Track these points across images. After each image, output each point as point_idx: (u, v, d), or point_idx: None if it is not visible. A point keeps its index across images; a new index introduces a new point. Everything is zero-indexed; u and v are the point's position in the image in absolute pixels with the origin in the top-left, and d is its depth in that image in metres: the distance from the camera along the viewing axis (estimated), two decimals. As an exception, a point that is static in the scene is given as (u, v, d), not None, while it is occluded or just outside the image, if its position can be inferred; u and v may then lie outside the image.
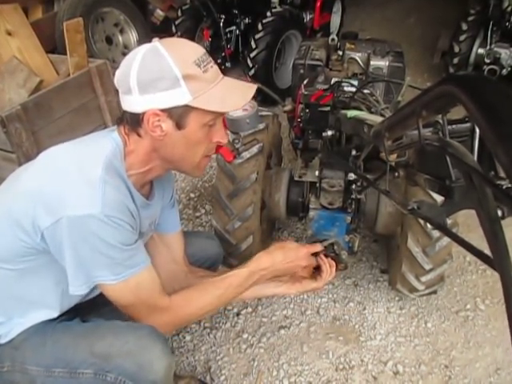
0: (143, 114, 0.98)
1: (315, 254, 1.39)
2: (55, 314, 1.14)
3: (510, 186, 0.75)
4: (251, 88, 1.06)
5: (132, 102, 0.98)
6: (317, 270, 1.39)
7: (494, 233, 0.45)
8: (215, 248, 1.57)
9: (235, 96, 1.03)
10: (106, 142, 1.04)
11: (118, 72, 1.01)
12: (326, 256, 1.39)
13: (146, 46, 0.98)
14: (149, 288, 1.08)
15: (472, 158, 0.62)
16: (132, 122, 1.02)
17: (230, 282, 1.19)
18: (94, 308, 1.23)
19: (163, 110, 0.97)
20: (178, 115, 0.98)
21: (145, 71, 0.95)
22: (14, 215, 1.00)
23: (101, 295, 1.11)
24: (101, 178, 0.96)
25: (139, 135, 1.03)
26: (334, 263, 1.38)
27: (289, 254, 1.27)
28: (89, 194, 0.95)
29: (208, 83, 0.98)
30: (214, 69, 1.01)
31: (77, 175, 0.98)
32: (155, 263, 1.30)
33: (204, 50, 1.01)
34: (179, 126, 0.99)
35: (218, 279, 1.21)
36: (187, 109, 0.97)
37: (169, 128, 0.99)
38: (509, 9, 3.28)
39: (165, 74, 0.94)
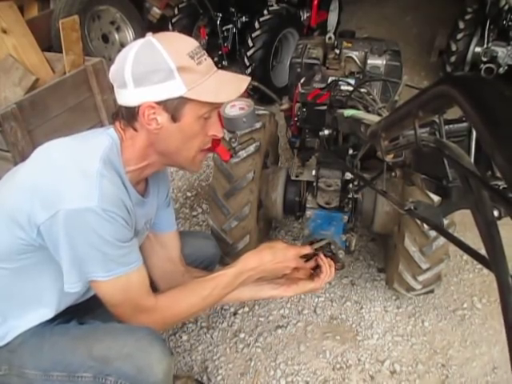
0: (138, 107, 0.98)
1: (312, 255, 1.39)
2: (51, 314, 1.13)
3: (506, 186, 0.75)
4: (245, 80, 1.07)
5: (127, 96, 0.99)
6: (315, 271, 1.39)
7: (490, 235, 0.44)
8: (212, 248, 1.57)
9: (229, 87, 1.03)
10: (102, 138, 1.04)
11: (112, 67, 1.01)
12: (324, 256, 1.39)
13: (140, 41, 0.99)
14: (138, 288, 1.07)
15: (468, 159, 0.62)
16: (127, 116, 1.02)
17: (216, 282, 1.18)
18: (89, 309, 1.22)
19: (158, 103, 0.97)
20: (174, 107, 0.98)
21: (139, 64, 0.95)
22: (10, 211, 1.00)
23: (95, 296, 1.11)
24: (98, 172, 0.96)
25: (135, 129, 1.03)
26: (333, 263, 1.38)
27: (277, 254, 1.25)
28: (86, 187, 0.94)
29: (202, 75, 0.99)
30: (207, 61, 1.01)
31: (73, 169, 0.98)
32: (151, 263, 1.30)
33: (197, 43, 1.01)
34: (174, 118, 1.00)
35: (204, 279, 1.20)
36: (182, 100, 0.98)
37: (164, 121, 0.99)
38: (506, 7, 3.28)
39: (159, 67, 0.94)
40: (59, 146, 1.07)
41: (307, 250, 1.35)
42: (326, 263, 1.35)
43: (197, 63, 0.98)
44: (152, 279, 1.16)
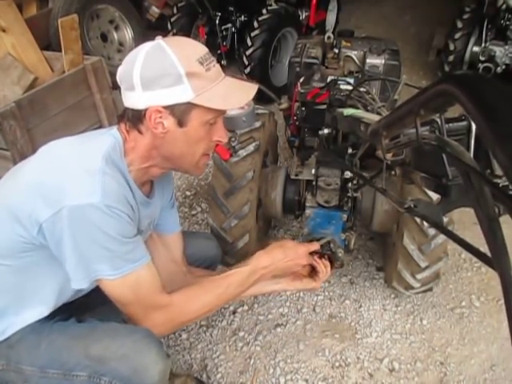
0: (145, 110, 0.98)
1: (312, 253, 1.39)
2: (47, 312, 1.14)
3: (506, 184, 0.76)
4: (253, 88, 1.07)
5: (134, 99, 0.99)
6: (313, 271, 1.40)
7: (492, 232, 0.45)
8: (214, 249, 1.57)
9: (237, 94, 1.04)
10: (105, 138, 1.04)
11: (120, 68, 1.02)
12: (323, 255, 1.40)
13: (149, 44, 0.99)
14: (148, 285, 1.07)
15: (470, 156, 0.63)
16: (133, 119, 1.02)
17: (230, 280, 1.19)
18: (88, 307, 1.22)
19: (166, 107, 0.98)
20: (180, 112, 0.99)
21: (148, 68, 0.96)
22: (12, 209, 1.00)
23: (95, 293, 1.11)
24: (100, 169, 0.97)
25: (140, 132, 1.04)
26: (328, 263, 1.38)
27: (288, 252, 1.27)
28: (89, 183, 0.95)
29: (210, 81, 0.99)
30: (216, 68, 1.02)
31: (76, 167, 0.98)
32: (155, 264, 1.30)
33: (207, 49, 1.02)
34: (181, 123, 1.00)
35: (218, 277, 1.20)
36: (189, 106, 0.98)
37: (170, 125, 1.00)
38: (503, 7, 3.29)
39: (168, 71, 0.95)
40: (62, 145, 1.08)
41: (315, 246, 1.37)
42: (320, 263, 1.37)
43: (206, 69, 0.98)
44: None
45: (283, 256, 1.26)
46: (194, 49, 1.00)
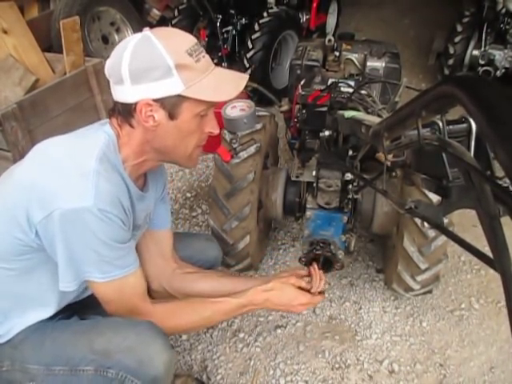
0: (135, 104, 0.97)
1: (310, 263, 1.41)
2: (52, 313, 1.14)
3: (506, 185, 0.76)
4: (243, 78, 1.07)
5: (124, 93, 0.98)
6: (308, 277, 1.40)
7: (493, 231, 0.45)
8: (214, 250, 1.57)
9: (228, 86, 1.03)
10: (98, 135, 1.04)
11: (108, 62, 1.00)
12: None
13: (137, 36, 0.97)
14: (132, 291, 1.08)
15: (471, 156, 0.63)
16: (124, 113, 1.01)
17: (219, 307, 1.20)
18: (91, 306, 1.22)
19: (156, 100, 0.97)
20: (171, 105, 0.98)
21: (137, 61, 0.94)
22: (10, 211, 1.00)
23: None
24: (94, 170, 0.96)
25: (132, 126, 1.03)
26: (323, 276, 1.38)
27: (284, 298, 1.27)
28: (81, 186, 0.94)
29: (200, 73, 0.98)
30: (205, 59, 1.01)
31: (69, 168, 0.97)
32: (144, 258, 1.31)
33: (196, 40, 1.01)
34: (172, 116, 0.99)
35: (208, 301, 1.21)
36: (180, 98, 0.97)
37: (161, 118, 0.99)
38: (503, 11, 3.31)
39: (157, 64, 0.94)
40: (56, 144, 1.07)
41: (318, 299, 1.34)
42: (317, 274, 1.36)
43: (195, 61, 0.97)
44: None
45: (277, 301, 1.26)
46: (183, 40, 0.99)
